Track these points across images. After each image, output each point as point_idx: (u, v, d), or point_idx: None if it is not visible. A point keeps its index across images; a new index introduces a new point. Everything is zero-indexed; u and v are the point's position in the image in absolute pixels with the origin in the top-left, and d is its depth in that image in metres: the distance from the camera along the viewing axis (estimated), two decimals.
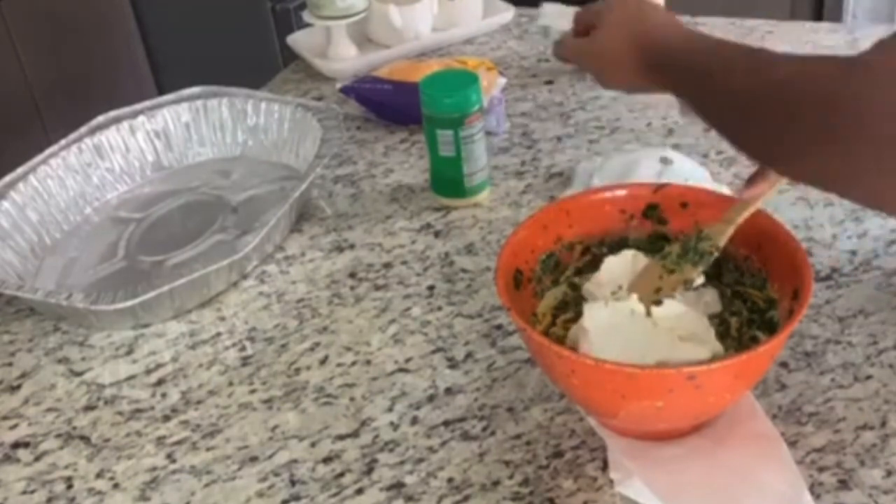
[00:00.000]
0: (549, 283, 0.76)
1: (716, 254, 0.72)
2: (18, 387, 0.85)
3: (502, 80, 1.17)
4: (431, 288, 0.91)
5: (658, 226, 0.77)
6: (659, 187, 0.77)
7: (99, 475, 0.76)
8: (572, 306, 0.75)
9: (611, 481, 0.68)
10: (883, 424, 0.72)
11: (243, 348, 0.87)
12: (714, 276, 0.74)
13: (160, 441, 0.78)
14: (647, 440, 0.69)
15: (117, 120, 1.09)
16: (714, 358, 0.65)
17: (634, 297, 0.69)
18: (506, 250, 0.72)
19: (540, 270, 0.75)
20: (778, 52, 0.64)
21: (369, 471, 0.73)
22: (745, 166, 1.02)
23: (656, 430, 0.67)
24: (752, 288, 0.73)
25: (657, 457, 0.67)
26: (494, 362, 0.82)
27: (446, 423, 0.76)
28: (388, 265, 0.95)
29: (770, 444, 0.59)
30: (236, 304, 0.92)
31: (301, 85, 1.32)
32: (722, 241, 0.72)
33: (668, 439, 0.67)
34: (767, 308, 0.71)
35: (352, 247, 0.98)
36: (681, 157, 0.98)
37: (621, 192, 0.78)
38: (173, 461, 0.76)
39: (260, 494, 0.72)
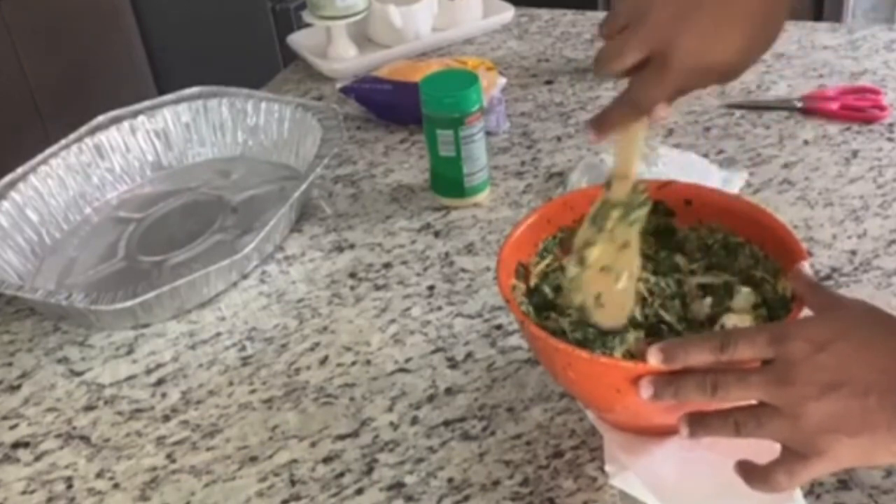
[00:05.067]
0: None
1: (647, 200, 0.68)
2: (18, 387, 0.85)
3: (502, 80, 1.17)
4: (431, 288, 0.91)
5: (665, 218, 0.77)
6: (664, 184, 0.77)
7: (99, 475, 0.76)
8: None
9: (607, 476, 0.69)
10: None
11: (243, 348, 0.87)
12: (728, 264, 0.74)
13: (160, 441, 0.78)
14: (645, 435, 0.69)
15: (117, 120, 1.09)
16: None
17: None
18: (508, 243, 0.72)
19: (539, 259, 0.76)
20: None
21: (369, 471, 0.73)
22: (745, 166, 1.03)
23: (653, 425, 0.67)
24: (765, 272, 0.72)
25: (653, 452, 0.67)
26: (494, 362, 0.82)
27: (446, 423, 0.76)
28: (388, 265, 0.95)
29: (766, 443, 0.59)
30: (236, 304, 0.92)
31: (301, 85, 1.32)
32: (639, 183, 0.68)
33: (665, 435, 0.67)
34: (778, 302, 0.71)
35: (352, 247, 0.98)
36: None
37: None
38: (173, 461, 0.76)
39: (260, 494, 0.72)
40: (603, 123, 0.67)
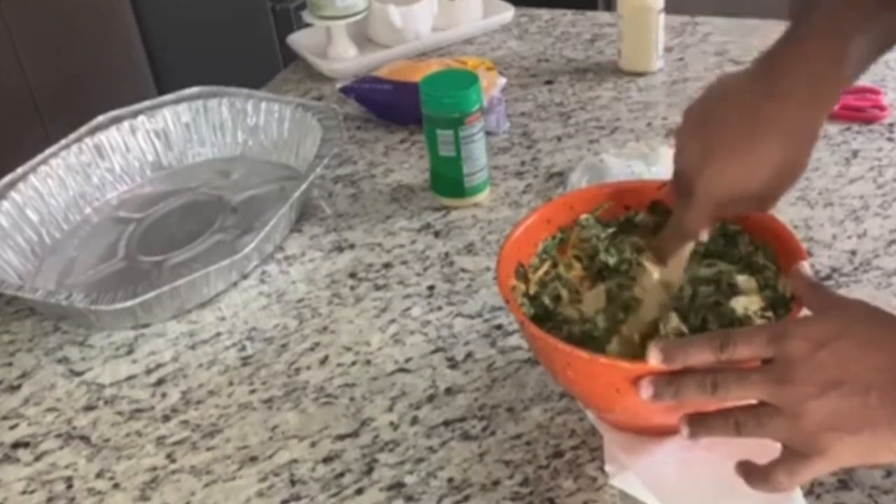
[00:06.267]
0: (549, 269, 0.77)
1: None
2: (18, 387, 0.85)
3: (502, 80, 1.17)
4: (431, 288, 0.91)
5: (663, 217, 0.77)
6: (663, 184, 0.77)
7: (99, 475, 0.76)
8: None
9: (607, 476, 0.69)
10: None
11: (243, 348, 0.87)
12: (730, 253, 0.74)
13: (160, 441, 0.78)
14: (645, 435, 0.69)
15: (117, 120, 1.09)
16: None
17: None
18: (508, 243, 0.72)
19: (538, 261, 0.76)
20: None
21: (369, 471, 0.73)
22: None
23: (653, 425, 0.67)
24: (766, 259, 0.72)
25: (653, 452, 0.67)
26: (494, 362, 0.82)
27: (446, 423, 0.76)
28: (388, 265, 0.95)
29: (766, 443, 0.59)
30: (236, 304, 0.92)
31: (301, 85, 1.32)
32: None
33: (665, 435, 0.67)
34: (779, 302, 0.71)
35: (352, 247, 0.98)
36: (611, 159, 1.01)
37: (625, 189, 0.78)
38: (173, 461, 0.76)
39: (260, 494, 0.72)
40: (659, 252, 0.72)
